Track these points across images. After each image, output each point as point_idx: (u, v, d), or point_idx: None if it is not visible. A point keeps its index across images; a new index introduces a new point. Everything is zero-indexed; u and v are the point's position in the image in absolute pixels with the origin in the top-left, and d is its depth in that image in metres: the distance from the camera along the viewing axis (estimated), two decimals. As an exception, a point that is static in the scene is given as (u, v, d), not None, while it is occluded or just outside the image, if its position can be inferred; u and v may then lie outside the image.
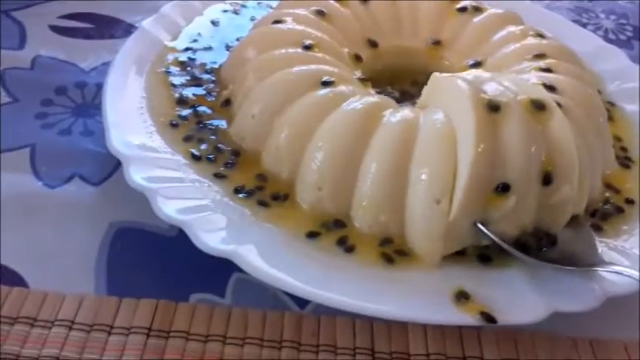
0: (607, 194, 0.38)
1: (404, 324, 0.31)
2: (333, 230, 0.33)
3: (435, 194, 0.32)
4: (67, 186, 0.37)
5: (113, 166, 0.38)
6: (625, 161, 0.41)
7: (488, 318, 0.29)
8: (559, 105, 0.34)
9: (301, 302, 0.32)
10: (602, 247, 0.34)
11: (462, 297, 0.30)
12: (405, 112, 0.35)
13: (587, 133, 0.36)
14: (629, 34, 0.60)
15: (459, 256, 0.32)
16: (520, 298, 0.30)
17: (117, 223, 0.35)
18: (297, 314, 0.31)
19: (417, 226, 0.32)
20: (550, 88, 0.37)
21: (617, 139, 0.43)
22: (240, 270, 0.30)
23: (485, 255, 0.32)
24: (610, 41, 0.56)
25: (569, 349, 0.31)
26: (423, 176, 0.32)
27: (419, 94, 0.38)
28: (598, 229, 0.35)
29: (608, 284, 0.31)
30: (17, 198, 0.36)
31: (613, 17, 0.62)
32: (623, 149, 0.42)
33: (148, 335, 0.29)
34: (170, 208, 0.32)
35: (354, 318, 0.31)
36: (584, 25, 0.59)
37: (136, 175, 0.33)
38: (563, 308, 0.29)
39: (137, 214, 0.35)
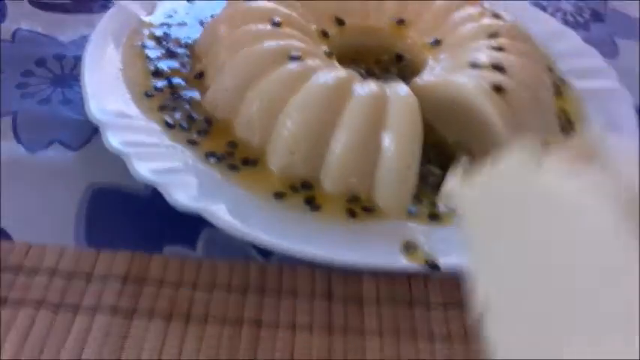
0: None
1: (359, 273, 0.34)
2: (301, 191, 0.36)
3: (407, 161, 0.35)
4: (48, 151, 0.39)
5: (91, 132, 0.40)
6: (570, 133, 0.45)
7: (432, 265, 0.32)
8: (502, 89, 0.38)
9: (266, 254, 0.35)
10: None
11: (410, 248, 0.33)
12: (372, 85, 0.38)
13: (529, 109, 0.40)
14: (587, 16, 0.64)
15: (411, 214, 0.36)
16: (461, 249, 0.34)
17: (95, 184, 0.38)
18: (261, 264, 0.34)
19: (386, 188, 0.36)
20: (498, 67, 0.41)
21: (564, 112, 0.46)
22: (210, 226, 0.33)
23: (434, 214, 0.36)
24: (567, 23, 0.60)
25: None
26: (395, 144, 0.36)
27: (382, 73, 0.41)
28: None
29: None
30: (1, 162, 0.38)
31: (572, 0, 0.65)
32: (569, 122, 0.46)
33: (124, 283, 0.32)
34: (145, 169, 0.34)
35: (313, 267, 0.34)
36: (543, 8, 0.62)
37: (114, 140, 0.36)
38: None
39: (114, 176, 0.37)
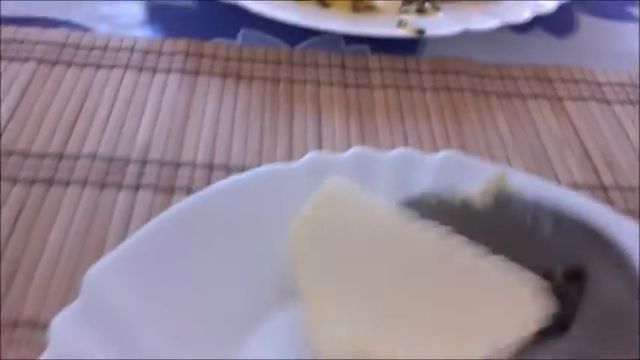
0: None
1: (365, 55, 0.44)
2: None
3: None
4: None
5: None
6: None
7: (420, 32, 0.43)
8: None
9: (292, 43, 0.45)
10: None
11: (403, 24, 0.44)
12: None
13: None
14: None
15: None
16: (445, 25, 0.44)
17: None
18: (288, 48, 0.45)
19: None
20: None
21: None
22: (247, 25, 0.43)
23: (421, 10, 0.46)
24: None
25: (479, 68, 0.44)
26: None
27: None
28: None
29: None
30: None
31: None
32: None
33: (186, 56, 0.42)
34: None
35: (329, 52, 0.44)
36: None
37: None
38: (474, 27, 0.43)
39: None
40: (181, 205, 0.30)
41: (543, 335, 0.25)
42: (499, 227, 0.29)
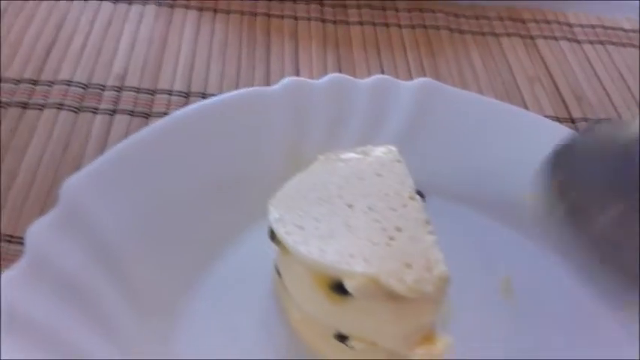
0: None
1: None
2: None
3: None
4: None
5: None
6: None
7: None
8: None
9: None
10: None
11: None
12: None
13: None
14: None
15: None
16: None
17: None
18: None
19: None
20: None
21: None
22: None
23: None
24: None
25: (455, 9, 0.45)
26: None
27: None
28: None
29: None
30: None
31: None
32: None
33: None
34: None
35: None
36: None
37: None
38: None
39: None
40: (160, 122, 0.30)
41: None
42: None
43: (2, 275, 0.23)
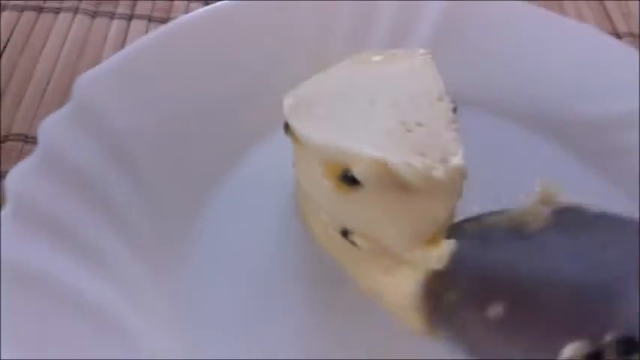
0: None
1: None
2: None
3: None
4: None
5: None
6: None
7: None
8: None
9: None
10: None
11: None
12: None
13: None
14: None
15: None
16: None
17: None
18: None
19: None
20: None
21: None
22: None
23: None
24: None
25: None
26: None
27: None
28: None
29: None
30: None
31: None
32: None
33: None
34: None
35: None
36: None
37: None
38: None
39: None
40: (178, 22, 0.29)
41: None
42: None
43: (15, 167, 0.23)
